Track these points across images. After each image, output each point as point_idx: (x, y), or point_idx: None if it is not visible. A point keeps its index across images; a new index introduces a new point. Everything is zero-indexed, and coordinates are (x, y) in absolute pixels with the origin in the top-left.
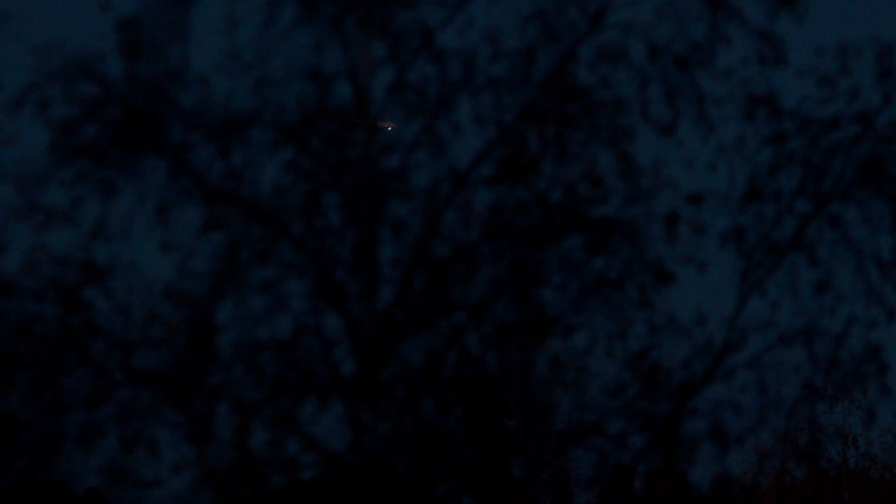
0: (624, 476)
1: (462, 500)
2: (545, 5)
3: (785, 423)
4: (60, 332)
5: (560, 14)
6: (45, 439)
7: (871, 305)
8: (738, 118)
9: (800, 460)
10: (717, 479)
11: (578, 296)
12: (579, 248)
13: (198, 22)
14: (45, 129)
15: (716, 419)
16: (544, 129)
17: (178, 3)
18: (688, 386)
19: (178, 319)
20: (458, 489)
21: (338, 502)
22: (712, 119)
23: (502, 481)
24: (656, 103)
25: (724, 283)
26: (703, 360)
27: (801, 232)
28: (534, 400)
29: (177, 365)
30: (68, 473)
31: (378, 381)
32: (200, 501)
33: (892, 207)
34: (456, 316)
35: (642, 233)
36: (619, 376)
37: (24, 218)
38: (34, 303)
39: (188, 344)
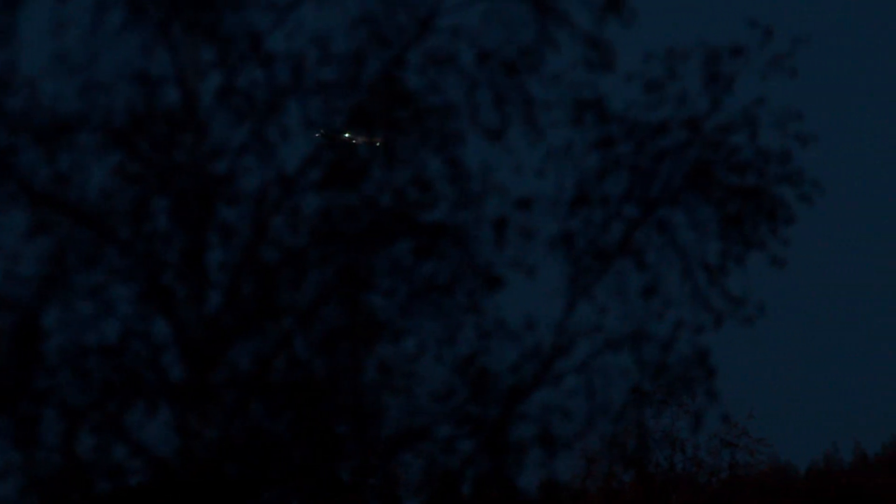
0: (452, 481)
1: None
2: (374, 9)
3: (613, 428)
4: None
5: (389, 18)
6: None
7: (699, 310)
8: (566, 123)
9: (627, 465)
10: (546, 483)
11: (407, 301)
12: (408, 253)
13: (25, 24)
14: None
15: (544, 424)
16: (373, 134)
17: (5, 5)
18: (516, 391)
19: (3, 324)
20: (287, 494)
21: None
22: (541, 124)
23: (331, 486)
24: (485, 108)
25: (553, 288)
26: (532, 365)
27: (629, 237)
28: (362, 405)
29: (2, 370)
30: None
31: (206, 386)
32: None
33: (719, 213)
34: (284, 321)
35: (471, 238)
36: (447, 381)
37: None
38: None
39: (13, 348)
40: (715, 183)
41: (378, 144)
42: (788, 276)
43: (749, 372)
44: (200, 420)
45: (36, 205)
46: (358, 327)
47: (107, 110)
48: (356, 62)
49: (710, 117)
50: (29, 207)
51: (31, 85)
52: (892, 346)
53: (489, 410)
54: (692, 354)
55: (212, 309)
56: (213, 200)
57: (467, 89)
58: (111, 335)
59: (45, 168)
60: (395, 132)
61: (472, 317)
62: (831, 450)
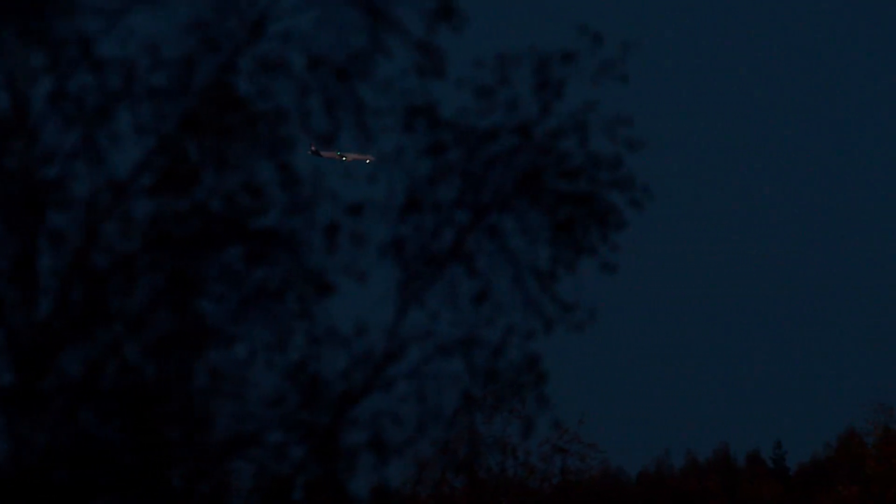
0: (283, 487)
1: None
2: (205, 15)
3: (444, 434)
4: None
5: (220, 24)
6: None
7: (529, 316)
8: (397, 129)
9: (459, 470)
10: (377, 489)
11: (238, 307)
12: (239, 259)
13: None
14: None
15: (375, 429)
16: (204, 140)
17: None
18: (348, 396)
19: None
20: (118, 500)
21: None
22: (372, 130)
23: (162, 492)
24: (316, 114)
25: (384, 294)
26: (363, 371)
27: (460, 243)
28: (193, 411)
29: None
30: None
31: (36, 392)
32: None
33: (549, 218)
34: (115, 326)
35: (302, 243)
36: (279, 387)
37: None
38: None
39: None
40: (545, 188)
41: (368, 161)
42: (621, 281)
43: (580, 377)
44: (30, 426)
45: None
46: (188, 333)
47: None
48: (187, 68)
49: (541, 123)
50: None
51: None
52: (722, 353)
53: (320, 416)
54: (523, 360)
55: (42, 315)
56: (43, 206)
57: (299, 94)
58: None
59: None
60: (227, 138)
61: (303, 323)
62: (663, 455)
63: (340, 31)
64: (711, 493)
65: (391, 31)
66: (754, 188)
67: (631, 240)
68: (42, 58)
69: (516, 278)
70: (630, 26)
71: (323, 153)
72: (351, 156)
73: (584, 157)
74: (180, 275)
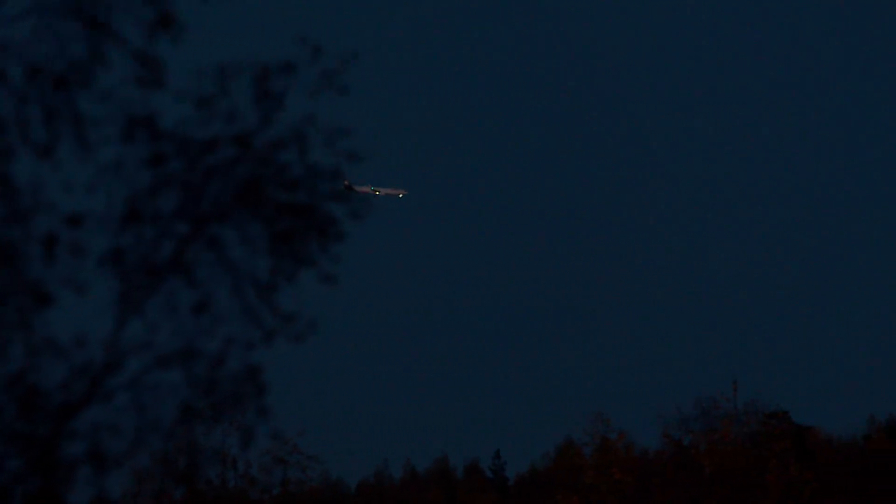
0: (1, 499)
1: None
2: None
3: (163, 445)
4: None
5: None
6: None
7: (249, 327)
8: (117, 139)
9: (178, 482)
10: (96, 501)
11: None
12: None
13: None
14: None
15: (94, 441)
16: None
17: None
18: (66, 408)
19: None
20: None
21: None
22: (91, 140)
23: None
24: (35, 124)
25: (104, 305)
26: (82, 382)
27: (180, 253)
28: None
29: None
30: None
31: None
32: None
33: (269, 229)
34: None
35: (20, 254)
36: None
37: None
38: None
39: None
40: (265, 199)
41: (401, 196)
42: (344, 293)
43: (301, 388)
44: None
45: None
46: None
47: None
48: None
49: (261, 134)
50: None
51: None
52: (441, 365)
53: (38, 428)
54: (243, 371)
55: None
56: None
57: (16, 105)
58: None
59: None
60: None
61: (22, 334)
62: (382, 466)
63: (59, 40)
64: (431, 503)
65: (110, 42)
66: (464, 200)
67: (352, 251)
68: None
69: (236, 289)
70: (352, 38)
71: (356, 188)
72: (384, 190)
73: (304, 168)
74: None
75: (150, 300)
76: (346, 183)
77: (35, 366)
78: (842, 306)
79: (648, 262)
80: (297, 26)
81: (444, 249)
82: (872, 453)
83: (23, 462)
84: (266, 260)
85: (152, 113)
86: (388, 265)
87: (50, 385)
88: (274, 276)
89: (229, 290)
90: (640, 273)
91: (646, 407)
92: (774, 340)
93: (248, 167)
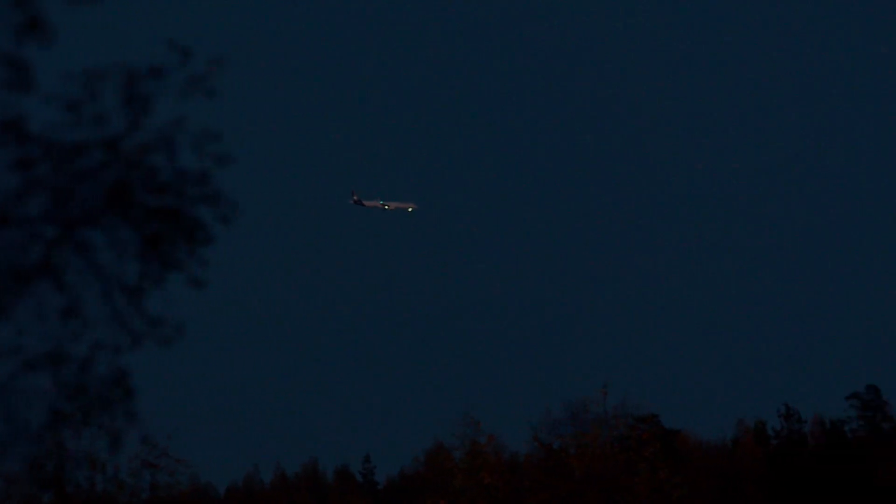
0: None
1: None
2: None
3: (31, 449)
4: None
5: None
6: None
7: (117, 331)
8: None
9: (46, 486)
10: None
11: None
12: None
13: None
14: None
15: None
16: None
17: None
18: None
19: None
20: None
21: None
22: None
23: None
24: None
25: None
26: None
27: (48, 257)
28: None
29: None
30: None
31: None
32: None
33: (138, 233)
34: None
35: None
36: None
37: None
38: None
39: None
40: (134, 203)
41: (410, 210)
42: (213, 296)
43: (170, 393)
44: None
45: None
46: None
47: None
48: None
49: (129, 138)
50: None
51: None
52: (309, 370)
53: None
54: (110, 375)
55: None
56: None
57: None
58: None
59: None
60: None
61: None
62: (252, 470)
63: None
64: None
65: None
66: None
67: (221, 254)
68: None
69: (104, 293)
70: (221, 42)
71: (366, 202)
72: (393, 204)
73: (173, 172)
74: None
75: (18, 304)
76: (354, 197)
77: None
78: (711, 311)
79: (513, 264)
80: (169, 30)
81: (313, 254)
82: (741, 457)
83: None
84: (134, 264)
85: (20, 116)
86: (257, 269)
87: None
88: (142, 280)
89: (98, 295)
90: (508, 276)
91: (516, 410)
92: (644, 344)
93: (116, 171)
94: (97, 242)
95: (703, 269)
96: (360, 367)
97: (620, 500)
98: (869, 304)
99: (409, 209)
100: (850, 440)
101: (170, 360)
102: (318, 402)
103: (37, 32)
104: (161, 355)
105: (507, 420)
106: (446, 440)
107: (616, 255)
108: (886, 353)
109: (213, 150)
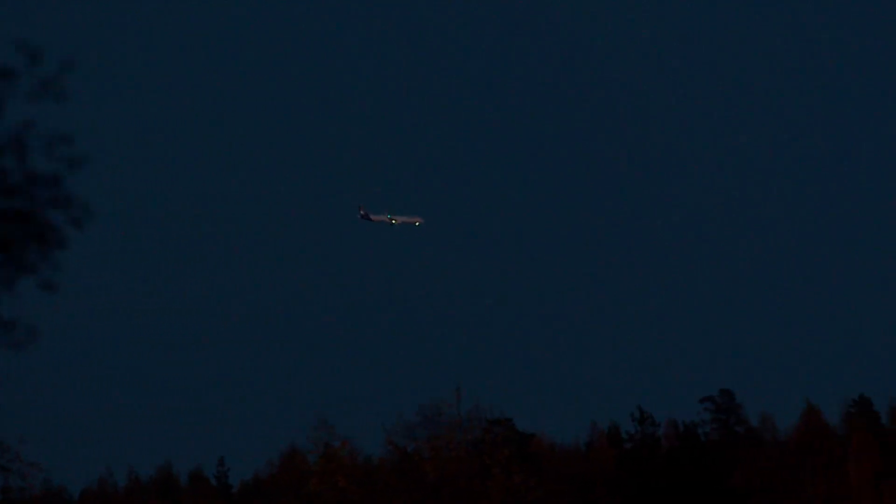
0: None
1: None
2: None
3: None
4: None
5: None
6: None
7: None
8: None
9: None
10: None
11: None
12: None
13: None
14: None
15: None
16: None
17: None
18: None
19: None
20: None
21: None
22: None
23: None
24: None
25: None
26: None
27: None
28: None
29: None
30: None
31: None
32: None
33: None
34: None
35: None
36: None
37: None
38: None
39: None
40: None
41: (417, 224)
42: (66, 300)
43: (22, 397)
44: None
45: None
46: None
47: None
48: None
49: None
50: None
51: None
52: (159, 371)
53: None
54: None
55: None
56: None
57: None
58: None
59: None
60: None
61: None
62: (105, 473)
63: None
64: None
65: None
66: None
67: (77, 258)
68: None
69: None
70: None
71: (373, 217)
72: (400, 219)
73: (23, 174)
74: None
75: None
76: (362, 212)
77: None
78: (564, 314)
79: (376, 267)
80: (19, 30)
81: (172, 257)
82: (594, 460)
83: None
84: None
85: None
86: (107, 273)
87: None
88: None
89: None
90: (363, 278)
91: (370, 414)
92: (498, 347)
93: None
94: None
95: (554, 271)
96: (215, 369)
97: None
98: (723, 308)
99: (416, 223)
100: (704, 443)
101: (23, 362)
102: (171, 404)
103: None
104: (13, 358)
105: (361, 423)
106: (301, 443)
107: (473, 259)
108: (740, 357)
109: (65, 153)
